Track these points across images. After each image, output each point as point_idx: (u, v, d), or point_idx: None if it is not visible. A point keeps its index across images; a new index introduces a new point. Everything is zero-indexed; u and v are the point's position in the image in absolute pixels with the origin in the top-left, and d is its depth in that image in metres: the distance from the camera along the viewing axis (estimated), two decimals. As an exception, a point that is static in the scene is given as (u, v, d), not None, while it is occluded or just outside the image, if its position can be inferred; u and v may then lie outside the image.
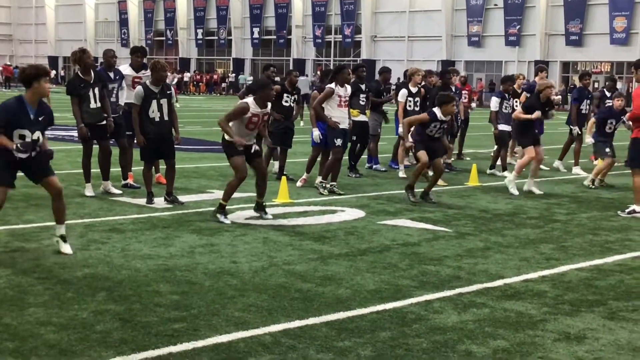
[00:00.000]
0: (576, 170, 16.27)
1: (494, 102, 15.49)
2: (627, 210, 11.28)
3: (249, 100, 9.91)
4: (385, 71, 16.42)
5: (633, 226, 10.39)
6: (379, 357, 5.21)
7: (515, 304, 6.57)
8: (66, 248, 7.81)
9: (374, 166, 15.78)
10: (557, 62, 56.47)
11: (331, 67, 46.46)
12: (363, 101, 14.39)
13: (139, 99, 10.75)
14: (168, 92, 10.94)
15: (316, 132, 12.83)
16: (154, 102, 10.75)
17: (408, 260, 8.00)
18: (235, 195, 12.02)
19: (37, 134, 7.54)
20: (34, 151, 7.49)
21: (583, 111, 16.68)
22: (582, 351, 5.44)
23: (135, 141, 11.42)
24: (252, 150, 9.99)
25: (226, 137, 9.76)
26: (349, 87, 13.17)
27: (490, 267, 7.83)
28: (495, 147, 15.70)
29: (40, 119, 7.58)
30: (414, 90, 15.14)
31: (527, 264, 8.07)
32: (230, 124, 9.79)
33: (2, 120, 7.38)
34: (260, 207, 10.21)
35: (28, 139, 7.45)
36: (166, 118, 10.85)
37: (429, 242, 8.98)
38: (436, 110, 11.81)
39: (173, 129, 10.96)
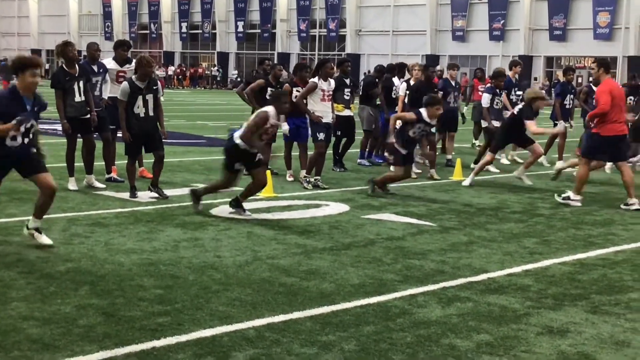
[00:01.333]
0: (560, 165, 16.33)
1: (486, 98, 15.49)
2: (563, 196, 11.67)
3: (270, 109, 9.80)
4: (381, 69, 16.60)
5: (616, 220, 10.44)
6: (362, 351, 5.21)
7: (499, 298, 6.59)
8: (45, 239, 7.77)
9: (358, 160, 15.77)
10: (541, 57, 56.66)
11: (315, 61, 46.42)
12: (347, 96, 14.41)
13: (125, 95, 10.69)
14: (154, 87, 10.87)
15: (285, 127, 12.83)
16: (140, 98, 10.69)
17: (392, 255, 8.01)
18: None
19: (32, 121, 7.55)
20: (27, 137, 7.49)
21: (567, 106, 16.75)
22: (565, 345, 5.47)
23: (119, 135, 11.37)
24: (256, 159, 9.86)
25: (241, 146, 9.68)
26: (332, 81, 13.18)
27: (474, 262, 7.85)
28: (479, 142, 15.72)
29: (35, 109, 7.59)
30: (411, 83, 15.07)
31: (511, 258, 8.09)
32: (245, 124, 9.78)
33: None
34: (238, 204, 9.98)
35: (22, 129, 7.42)
36: (151, 114, 10.79)
37: (413, 236, 8.99)
38: (423, 111, 11.75)
39: (159, 124, 10.92)
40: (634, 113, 18.30)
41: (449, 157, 16.04)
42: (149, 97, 10.77)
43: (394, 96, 15.44)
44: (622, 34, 51.93)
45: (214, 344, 5.22)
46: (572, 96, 16.89)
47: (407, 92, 14.78)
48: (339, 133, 14.30)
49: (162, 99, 11.25)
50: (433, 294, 6.64)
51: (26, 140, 7.51)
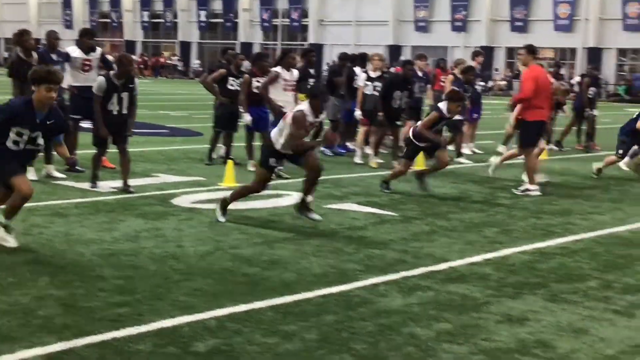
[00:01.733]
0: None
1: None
2: (520, 189, 11.80)
3: (304, 107, 8.92)
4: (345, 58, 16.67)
5: (575, 210, 10.57)
6: (324, 340, 5.22)
7: (460, 287, 6.64)
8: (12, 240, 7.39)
9: (322, 149, 15.73)
10: (502, 48, 57.04)
11: (278, 51, 46.23)
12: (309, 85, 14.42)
13: (101, 91, 10.47)
14: (131, 85, 10.69)
15: (247, 117, 12.81)
16: (115, 96, 10.51)
17: (354, 244, 8.03)
18: (181, 179, 11.95)
19: (37, 134, 7.29)
20: (31, 144, 7.30)
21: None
22: (524, 333, 5.53)
23: (83, 125, 11.24)
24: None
25: (277, 145, 8.86)
26: (295, 71, 13.15)
27: (435, 251, 7.90)
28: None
29: (48, 122, 7.32)
30: (373, 75, 15.03)
31: (472, 247, 8.16)
32: (285, 132, 8.81)
33: (3, 118, 7.16)
34: (305, 207, 9.05)
35: (25, 137, 7.21)
36: (124, 112, 10.59)
37: (375, 226, 9.02)
38: (442, 105, 11.33)
39: (129, 122, 10.73)
40: (590, 105, 18.51)
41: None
42: (125, 95, 10.58)
43: (355, 86, 15.45)
44: (582, 25, 52.47)
45: (174, 334, 5.19)
46: None
47: (371, 83, 14.78)
48: None
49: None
50: (394, 283, 6.67)
51: (29, 146, 7.31)
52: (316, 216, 8.96)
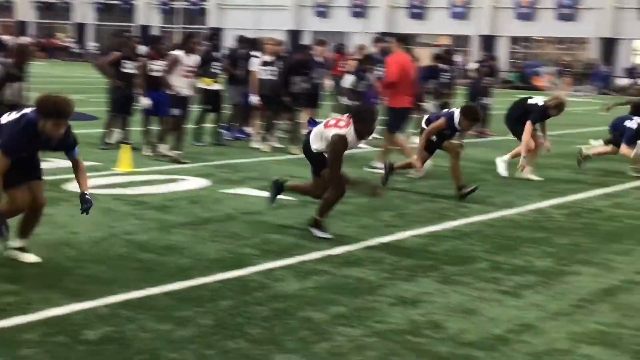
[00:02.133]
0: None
1: (350, 79, 15.55)
2: (376, 170, 12.08)
3: (348, 132, 7.68)
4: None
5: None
6: (219, 326, 5.20)
7: (355, 270, 6.72)
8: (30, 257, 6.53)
9: (222, 133, 15.57)
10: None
11: (178, 34, 45.61)
12: (216, 69, 14.37)
13: None
14: (25, 73, 10.44)
15: (145, 101, 12.64)
16: (12, 86, 10.22)
17: (251, 229, 8.02)
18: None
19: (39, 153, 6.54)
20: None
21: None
22: (417, 314, 5.64)
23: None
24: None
25: (313, 146, 7.93)
26: (196, 56, 13.02)
27: (332, 235, 7.95)
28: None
29: (54, 143, 6.35)
30: (268, 59, 14.93)
31: (368, 231, 8.25)
32: (324, 145, 7.80)
33: (12, 153, 6.13)
34: (318, 225, 7.99)
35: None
36: (21, 101, 10.32)
37: (273, 210, 9.00)
38: (455, 115, 10.43)
39: None
40: (484, 94, 18.89)
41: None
42: (22, 84, 10.33)
43: (249, 69, 15.36)
44: (477, 13, 53.64)
45: (64, 323, 5.08)
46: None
47: (267, 68, 14.73)
48: (205, 107, 14.28)
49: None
50: (291, 268, 6.70)
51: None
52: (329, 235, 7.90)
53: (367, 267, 6.85)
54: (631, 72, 47.39)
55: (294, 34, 57.87)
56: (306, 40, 52.00)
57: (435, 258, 7.27)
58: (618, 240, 8.39)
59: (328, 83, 17.72)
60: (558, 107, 12.40)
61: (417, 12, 56.15)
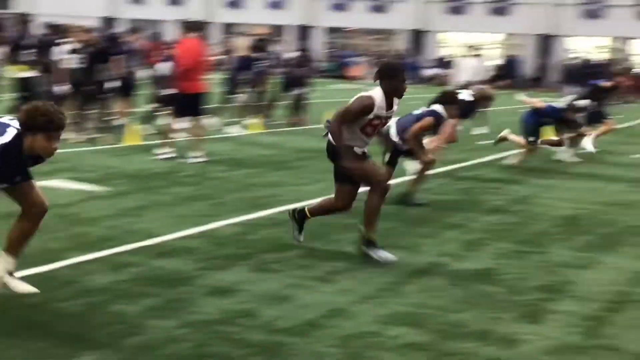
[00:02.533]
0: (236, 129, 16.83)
1: (166, 66, 15.28)
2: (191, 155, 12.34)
3: (376, 94, 6.92)
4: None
5: (284, 182, 10.95)
6: (23, 325, 4.99)
7: (170, 261, 6.65)
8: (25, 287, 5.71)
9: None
10: (217, 24, 57.51)
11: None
12: (30, 56, 13.86)
13: None
14: None
15: None
16: None
17: (60, 223, 7.73)
18: None
19: None
20: None
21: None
22: (230, 303, 5.65)
23: None
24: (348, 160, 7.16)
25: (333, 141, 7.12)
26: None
27: (146, 226, 7.83)
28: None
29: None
30: (76, 47, 14.47)
31: (183, 221, 8.18)
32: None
33: None
34: (371, 244, 7.08)
35: None
36: None
37: (83, 202, 8.75)
38: (439, 109, 9.75)
39: None
40: (298, 84, 19.13)
41: (123, 121, 15.72)
42: None
43: (54, 58, 14.84)
44: (294, 3, 54.28)
45: None
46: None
47: (75, 56, 14.27)
48: (21, 95, 13.81)
49: None
50: (102, 261, 6.54)
51: None
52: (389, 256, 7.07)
53: (181, 257, 6.79)
54: (438, 63, 49.50)
55: (108, 22, 56.29)
56: (122, 28, 50.80)
57: (250, 246, 7.31)
58: (424, 224, 8.74)
59: (143, 72, 17.36)
60: (485, 99, 13.05)
61: (234, 1, 56.12)
